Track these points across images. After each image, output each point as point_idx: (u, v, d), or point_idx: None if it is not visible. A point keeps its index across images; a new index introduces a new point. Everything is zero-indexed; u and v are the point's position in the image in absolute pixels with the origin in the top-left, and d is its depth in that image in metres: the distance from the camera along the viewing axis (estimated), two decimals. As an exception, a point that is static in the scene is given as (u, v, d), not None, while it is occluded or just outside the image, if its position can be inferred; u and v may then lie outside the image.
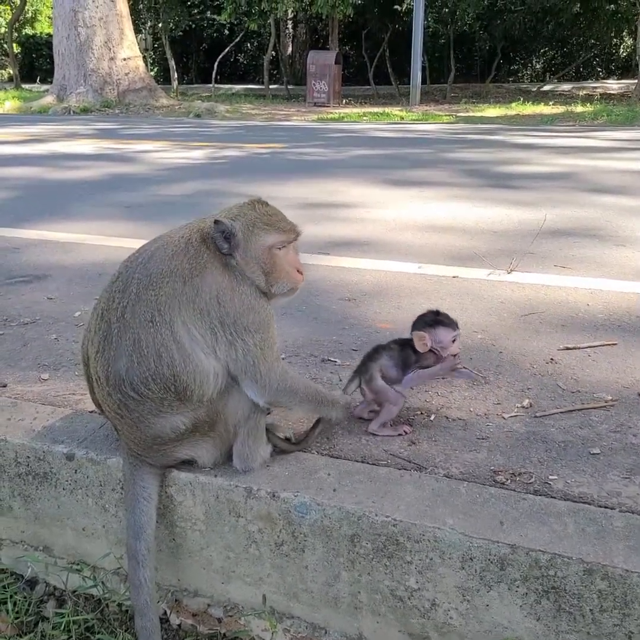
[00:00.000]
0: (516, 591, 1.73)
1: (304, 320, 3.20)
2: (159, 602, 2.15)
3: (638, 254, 4.25)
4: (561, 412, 2.35)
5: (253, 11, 25.76)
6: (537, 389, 2.51)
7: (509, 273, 3.81)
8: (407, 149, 9.94)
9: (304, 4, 24.98)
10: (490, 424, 2.29)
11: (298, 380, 2.02)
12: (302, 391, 2.02)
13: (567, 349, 2.85)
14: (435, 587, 1.81)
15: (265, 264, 1.90)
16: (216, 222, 1.87)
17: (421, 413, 2.36)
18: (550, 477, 1.98)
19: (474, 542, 1.74)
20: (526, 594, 1.73)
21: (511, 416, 2.33)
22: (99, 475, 2.10)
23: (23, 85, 31.74)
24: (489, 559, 1.73)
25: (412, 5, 21.13)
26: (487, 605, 1.77)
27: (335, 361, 2.75)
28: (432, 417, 2.32)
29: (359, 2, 25.59)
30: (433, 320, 2.20)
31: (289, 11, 29.64)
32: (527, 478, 1.98)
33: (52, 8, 23.73)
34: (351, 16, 25.39)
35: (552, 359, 2.76)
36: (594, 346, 2.87)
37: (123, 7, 22.57)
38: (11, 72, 34.35)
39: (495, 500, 1.86)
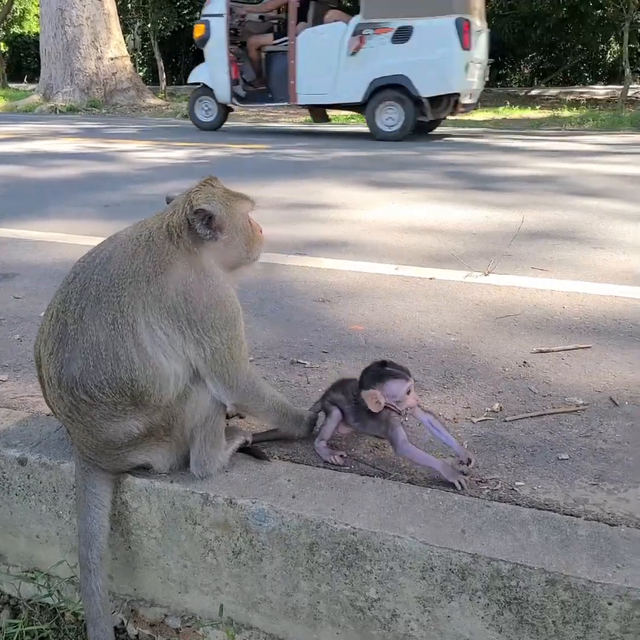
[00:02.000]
0: (478, 602, 1.68)
1: (276, 321, 3.14)
2: (114, 612, 2.08)
3: (616, 257, 4.21)
4: (531, 417, 2.30)
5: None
6: (509, 393, 2.46)
7: (486, 275, 3.77)
8: (391, 151, 9.90)
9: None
10: (459, 428, 2.23)
11: (265, 386, 1.98)
12: (268, 398, 1.97)
13: (541, 352, 2.80)
14: (396, 597, 1.76)
15: (246, 232, 1.92)
16: (197, 211, 1.80)
17: (388, 417, 2.30)
18: (517, 483, 1.93)
19: (434, 552, 1.68)
20: (488, 605, 1.67)
21: (480, 420, 2.28)
22: (52, 480, 2.03)
23: (10, 85, 31.52)
24: (450, 569, 1.68)
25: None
26: (448, 617, 1.71)
27: (305, 363, 2.69)
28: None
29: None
30: (380, 374, 1.98)
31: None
32: (493, 484, 1.93)
33: (39, 6, 23.57)
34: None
35: (525, 362, 2.71)
36: (568, 349, 2.82)
37: (110, 7, 22.42)
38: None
39: (459, 508, 1.80)
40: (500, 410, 2.35)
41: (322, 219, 5.40)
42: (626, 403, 2.38)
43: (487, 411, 2.34)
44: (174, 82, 36.42)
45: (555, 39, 32.36)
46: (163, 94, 26.60)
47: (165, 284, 1.77)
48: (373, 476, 1.96)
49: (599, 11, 28.87)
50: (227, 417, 2.25)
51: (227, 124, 14.16)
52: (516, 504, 1.83)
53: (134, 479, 1.94)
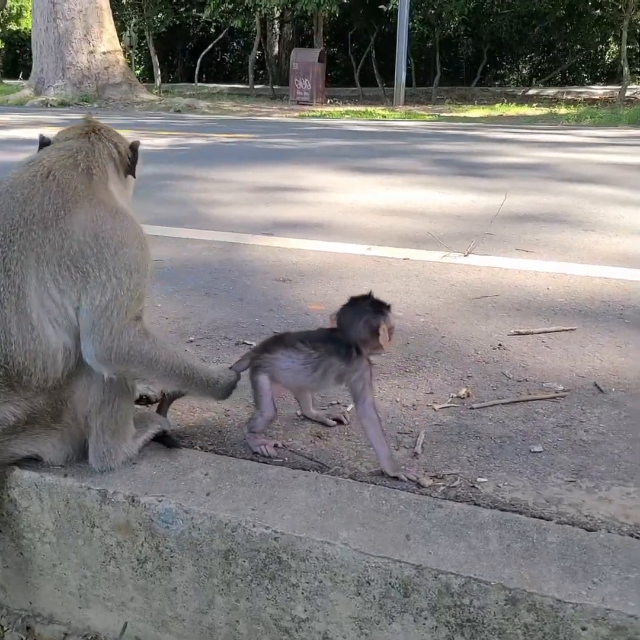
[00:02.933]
0: (423, 624, 1.36)
1: (227, 301, 2.83)
2: (7, 629, 1.76)
3: (607, 239, 3.90)
4: (503, 404, 1.99)
5: (237, 8, 25.38)
6: (479, 378, 2.15)
7: (465, 256, 3.45)
8: (380, 141, 9.59)
9: (289, 1, 24.62)
10: (418, 416, 1.92)
11: (162, 348, 1.59)
12: (164, 362, 1.59)
13: (519, 334, 2.49)
14: (327, 617, 1.44)
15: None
16: (134, 144, 1.75)
17: (338, 403, 2.00)
18: (479, 479, 1.62)
19: (371, 562, 1.37)
20: (436, 627, 1.36)
21: (443, 407, 1.97)
22: None
23: (5, 81, 31.22)
24: (390, 583, 1.36)
25: (398, 5, 20.79)
26: (388, 641, 1.39)
27: (252, 344, 2.37)
28: (349, 408, 1.95)
29: (345, 1, 25.27)
30: (379, 303, 1.70)
31: (276, 10, 29.29)
32: (451, 480, 1.62)
33: (31, 0, 23.28)
34: (337, 15, 25.03)
35: (500, 344, 2.40)
36: (550, 332, 2.51)
37: (103, 1, 22.13)
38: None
39: (405, 508, 1.49)
40: (468, 396, 2.04)
41: (296, 201, 5.09)
42: (613, 390, 2.07)
43: (452, 397, 2.03)
44: (170, 80, 36.10)
45: (554, 38, 32.08)
46: (158, 91, 26.31)
47: (70, 226, 1.46)
48: (309, 470, 1.65)
49: (598, 11, 28.60)
50: (150, 401, 1.94)
51: (217, 117, 13.86)
52: (475, 504, 1.52)
53: (22, 471, 1.63)
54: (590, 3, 27.31)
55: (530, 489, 1.58)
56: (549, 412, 1.94)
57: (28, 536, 1.67)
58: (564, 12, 27.65)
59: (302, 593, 1.45)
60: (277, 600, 1.48)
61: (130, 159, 1.74)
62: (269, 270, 3.24)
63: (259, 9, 24.13)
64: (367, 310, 1.71)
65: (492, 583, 1.29)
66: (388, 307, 1.71)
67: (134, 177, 1.78)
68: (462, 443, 1.78)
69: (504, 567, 1.32)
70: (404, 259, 3.42)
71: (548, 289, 2.99)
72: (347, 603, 1.41)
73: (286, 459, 1.70)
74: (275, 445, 1.74)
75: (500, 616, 1.29)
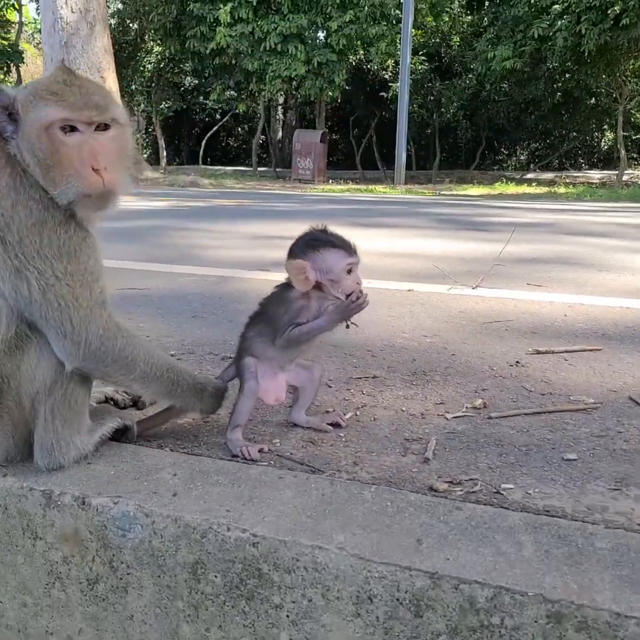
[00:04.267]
0: (442, 653, 1.06)
1: (215, 322, 2.59)
2: None
3: (623, 277, 3.69)
4: (526, 414, 1.72)
5: (242, 94, 26.13)
6: (496, 391, 1.89)
7: (473, 288, 3.23)
8: (381, 207, 9.54)
9: (292, 87, 25.37)
10: (428, 424, 1.65)
11: (141, 345, 1.38)
12: (144, 361, 1.37)
13: (538, 352, 2.24)
14: (319, 647, 1.14)
15: (42, 150, 1.26)
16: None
17: (333, 410, 1.73)
18: (504, 485, 1.34)
19: (373, 571, 1.08)
20: (457, 657, 1.05)
21: (456, 416, 1.70)
22: None
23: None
24: (398, 599, 1.07)
25: (398, 91, 21.39)
26: (396, 678, 1.09)
27: (239, 360, 2.12)
28: (348, 416, 1.69)
29: (347, 87, 26.03)
30: (316, 240, 1.47)
31: (279, 96, 30.19)
32: (470, 486, 1.34)
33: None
34: (339, 101, 25.74)
35: (517, 362, 2.14)
36: (573, 351, 2.26)
37: (113, 84, 22.66)
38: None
39: (415, 510, 1.21)
40: (484, 406, 1.77)
41: (295, 247, 4.91)
42: (651, 403, 1.80)
43: (466, 407, 1.76)
44: (175, 163, 36.94)
45: (550, 126, 32.90)
46: (163, 171, 26.81)
47: None
48: (297, 470, 1.37)
49: (592, 99, 29.43)
50: (117, 405, 1.67)
51: (219, 190, 13.94)
52: (502, 507, 1.24)
53: (-47, 471, 1.35)
54: (585, 92, 28.08)
55: (567, 496, 1.30)
56: (580, 423, 1.67)
57: (-42, 554, 1.38)
58: (560, 99, 28.41)
59: (288, 616, 1.15)
60: (257, 627, 1.18)
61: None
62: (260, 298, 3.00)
63: (262, 94, 24.80)
64: (294, 243, 1.51)
65: (530, 594, 1.00)
66: (326, 245, 1.46)
67: (5, 137, 1.30)
68: (481, 450, 1.51)
69: (544, 575, 1.03)
70: (408, 290, 3.20)
71: (565, 315, 2.75)
72: (343, 628, 1.12)
73: (272, 462, 1.43)
74: (261, 450, 1.47)
75: (540, 639, 1.00)
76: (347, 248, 1.47)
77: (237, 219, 6.99)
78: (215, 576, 1.19)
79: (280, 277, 3.33)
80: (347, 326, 1.51)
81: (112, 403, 1.69)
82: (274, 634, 1.17)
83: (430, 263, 3.99)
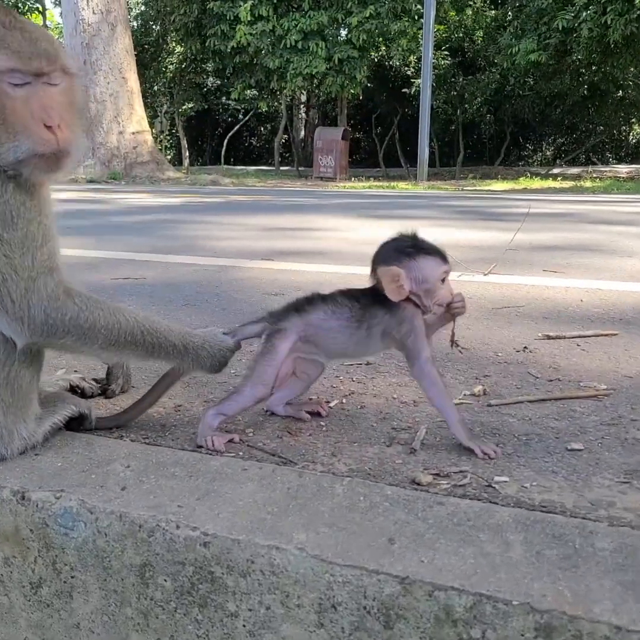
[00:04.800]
0: (416, 671, 0.92)
1: (207, 310, 2.46)
2: None
3: (647, 263, 3.49)
4: (530, 401, 1.56)
5: (263, 92, 26.06)
6: (499, 377, 1.73)
7: (485, 275, 3.06)
8: (400, 200, 9.36)
9: (313, 85, 25.23)
10: (419, 413, 1.50)
11: (102, 311, 1.23)
12: (107, 328, 1.22)
13: (549, 338, 2.07)
14: (279, 662, 1.00)
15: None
16: None
17: (317, 397, 1.58)
18: (497, 478, 1.19)
19: (337, 574, 0.93)
20: (433, 676, 0.91)
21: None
22: None
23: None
24: (365, 608, 0.93)
25: (420, 87, 21.17)
26: (364, 698, 0.94)
27: (227, 348, 1.98)
28: (333, 404, 1.54)
29: (368, 85, 25.83)
30: (410, 246, 1.35)
31: (301, 94, 30.07)
32: (459, 478, 1.18)
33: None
34: (360, 98, 25.54)
35: (525, 347, 1.98)
36: (586, 336, 2.09)
37: (134, 85, 22.82)
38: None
39: (391, 505, 1.06)
40: (484, 393, 1.62)
41: (304, 237, 4.76)
42: (670, 389, 1.63)
43: (464, 394, 1.61)
44: (198, 163, 37.03)
45: (576, 120, 32.42)
46: (186, 171, 26.86)
47: None
48: (264, 462, 1.23)
49: (620, 92, 28.90)
50: (85, 395, 1.55)
51: (238, 188, 13.84)
52: (491, 502, 1.08)
53: None
54: (611, 84, 27.58)
55: (569, 490, 1.15)
56: (589, 411, 1.51)
57: None
58: (586, 92, 27.93)
59: (244, 626, 1.01)
60: (211, 637, 1.04)
61: None
62: (261, 286, 2.88)
63: (284, 92, 24.73)
64: (386, 249, 1.38)
65: (515, 603, 0.85)
66: (422, 252, 1.34)
67: None
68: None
69: (533, 581, 0.88)
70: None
71: (582, 300, 2.58)
72: (305, 640, 0.97)
73: (241, 453, 1.29)
74: (231, 440, 1.33)
75: (528, 656, 0.85)
76: (441, 255, 1.35)
77: (251, 213, 6.87)
78: (165, 580, 1.05)
79: (285, 266, 3.15)
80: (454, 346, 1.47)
81: (79, 392, 1.56)
82: (230, 646, 1.03)
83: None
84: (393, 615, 0.92)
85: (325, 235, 4.84)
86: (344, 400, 1.57)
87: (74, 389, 1.55)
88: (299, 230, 5.22)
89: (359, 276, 3.07)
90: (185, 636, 1.06)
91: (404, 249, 1.35)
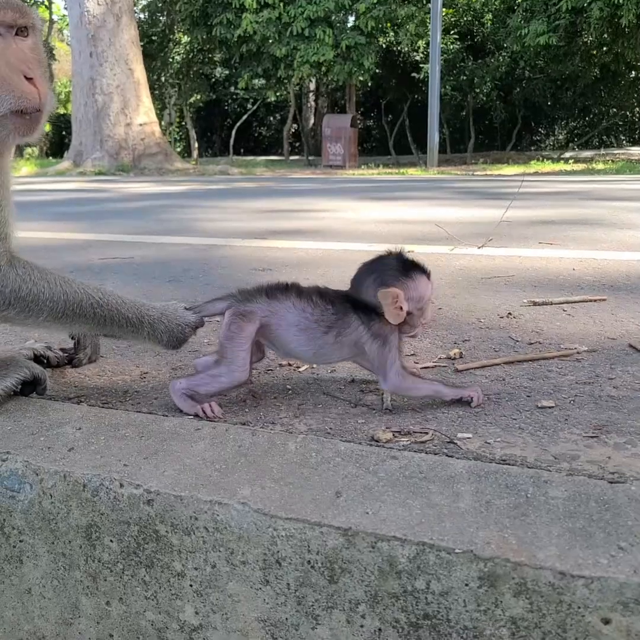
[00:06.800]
0: (362, 626, 0.89)
1: (191, 285, 2.43)
2: None
3: (646, 234, 3.42)
4: (505, 363, 1.52)
5: (271, 81, 25.95)
6: (478, 341, 1.69)
7: (479, 248, 3.01)
8: (403, 184, 9.28)
9: (321, 72, 25.07)
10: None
11: (48, 283, 1.21)
12: (52, 300, 1.20)
13: (535, 304, 2.02)
14: (227, 621, 0.97)
15: None
16: None
17: (288, 365, 1.55)
18: (460, 435, 1.15)
19: (280, 528, 0.90)
20: (380, 630, 0.88)
21: (425, 367, 1.51)
22: None
23: (50, 158, 32.25)
24: (309, 562, 0.89)
25: (429, 72, 20.98)
26: (310, 656, 0.91)
27: (209, 321, 1.95)
28: (302, 369, 1.51)
29: (377, 71, 25.63)
30: (405, 266, 1.30)
31: (309, 81, 29.90)
32: (420, 436, 1.14)
33: (71, 77, 24.15)
34: (369, 85, 25.35)
35: (509, 313, 1.94)
36: (573, 302, 2.04)
37: (141, 76, 22.79)
38: (41, 148, 35.04)
39: (342, 460, 1.03)
40: (460, 356, 1.57)
41: (299, 217, 4.72)
42: (653, 349, 1.58)
43: (439, 358, 1.57)
44: (208, 154, 37.00)
45: (589, 102, 32.05)
46: (195, 162, 26.83)
47: None
48: (217, 422, 1.20)
49: (632, 73, 28.51)
50: (50, 364, 1.52)
51: (246, 177, 13.80)
52: (447, 456, 1.04)
53: None
54: (623, 66, 27.19)
55: (533, 445, 1.11)
56: (567, 371, 1.47)
57: None
58: (597, 74, 27.57)
59: (191, 585, 0.98)
60: (159, 599, 1.01)
61: None
62: (248, 262, 2.84)
63: (291, 80, 24.60)
64: (380, 269, 1.31)
65: (458, 551, 0.81)
66: (416, 271, 1.30)
67: None
68: (445, 401, 1.31)
69: (479, 529, 0.84)
70: (408, 251, 2.99)
71: (574, 269, 2.52)
72: (252, 598, 0.94)
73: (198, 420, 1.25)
74: (219, 404, 1.27)
75: (473, 606, 0.81)
76: (427, 273, 1.31)
77: (250, 197, 6.83)
78: (111, 541, 1.02)
79: (277, 243, 3.08)
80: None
81: (45, 362, 1.53)
82: (178, 607, 1.00)
83: (437, 228, 3.77)
84: (337, 569, 0.88)
85: (322, 215, 4.79)
86: (302, 369, 1.52)
87: (38, 359, 1.52)
88: (297, 211, 5.18)
89: (352, 251, 3.04)
90: (134, 598, 1.03)
91: (400, 268, 1.30)
